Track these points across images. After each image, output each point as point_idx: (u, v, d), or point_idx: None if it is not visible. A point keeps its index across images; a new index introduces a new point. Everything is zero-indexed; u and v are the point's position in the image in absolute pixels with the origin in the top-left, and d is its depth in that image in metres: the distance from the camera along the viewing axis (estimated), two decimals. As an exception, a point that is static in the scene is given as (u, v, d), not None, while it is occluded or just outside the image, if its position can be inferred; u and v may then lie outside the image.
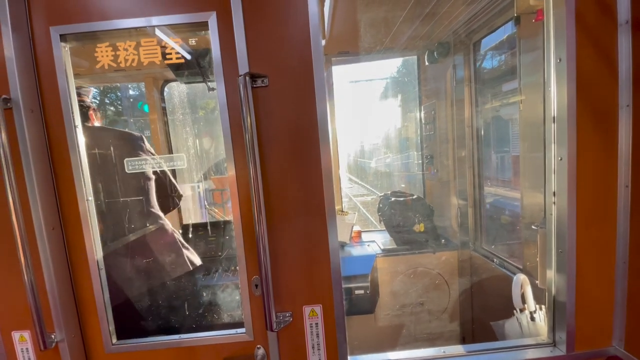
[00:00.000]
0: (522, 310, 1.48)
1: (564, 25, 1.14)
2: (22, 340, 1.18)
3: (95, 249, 1.16)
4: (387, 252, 2.33)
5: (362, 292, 2.08)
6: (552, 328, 1.33)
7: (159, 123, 2.65)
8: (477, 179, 2.22)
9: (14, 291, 1.14)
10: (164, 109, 2.78)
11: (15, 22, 1.06)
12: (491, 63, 2.16)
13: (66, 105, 1.10)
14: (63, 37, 1.10)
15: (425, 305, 2.28)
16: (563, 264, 1.25)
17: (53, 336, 1.13)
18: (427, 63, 2.35)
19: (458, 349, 1.28)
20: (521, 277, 1.48)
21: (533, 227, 1.47)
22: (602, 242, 1.21)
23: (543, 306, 1.45)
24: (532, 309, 1.45)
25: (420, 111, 2.57)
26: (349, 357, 1.17)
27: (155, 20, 1.09)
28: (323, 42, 1.09)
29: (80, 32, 1.10)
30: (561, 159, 1.23)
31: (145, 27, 1.10)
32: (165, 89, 2.77)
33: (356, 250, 2.41)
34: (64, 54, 1.10)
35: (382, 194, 2.60)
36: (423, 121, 2.52)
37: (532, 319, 1.44)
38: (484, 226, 2.25)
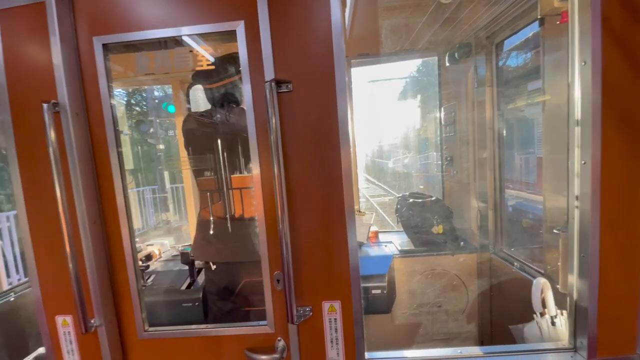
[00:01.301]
0: (542, 315, 1.47)
1: (589, 27, 1.13)
2: (65, 324, 1.29)
3: (131, 241, 1.25)
4: (404, 253, 2.34)
5: (379, 291, 2.10)
6: (574, 333, 1.32)
7: (184, 123, 2.76)
8: (498, 181, 2.20)
9: (59, 279, 1.25)
10: (189, 109, 2.90)
11: (62, 33, 1.16)
12: (514, 64, 2.13)
13: (107, 109, 1.20)
14: (105, 46, 1.19)
15: (443, 306, 2.28)
16: (585, 268, 1.23)
17: (93, 321, 1.23)
18: (447, 64, 2.35)
19: (475, 350, 1.29)
20: (542, 281, 1.47)
21: (555, 231, 1.46)
22: (627, 247, 1.19)
23: (564, 311, 1.43)
24: (553, 313, 1.44)
25: (440, 112, 2.56)
26: (366, 353, 1.21)
27: (187, 30, 1.16)
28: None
29: (119, 41, 1.19)
30: (585, 163, 1.22)
31: (178, 36, 1.18)
32: (191, 90, 2.89)
33: (373, 251, 2.44)
34: (105, 61, 1.20)
35: (400, 195, 2.61)
36: (443, 122, 2.51)
37: (553, 323, 1.43)
38: (505, 229, 2.23)
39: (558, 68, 1.62)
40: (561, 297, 1.48)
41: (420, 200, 2.37)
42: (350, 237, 1.16)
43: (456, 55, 2.21)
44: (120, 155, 1.23)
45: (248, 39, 1.13)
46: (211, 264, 1.88)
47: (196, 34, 1.18)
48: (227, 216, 1.85)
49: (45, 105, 1.09)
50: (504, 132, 2.16)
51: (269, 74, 1.11)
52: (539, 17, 1.60)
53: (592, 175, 1.17)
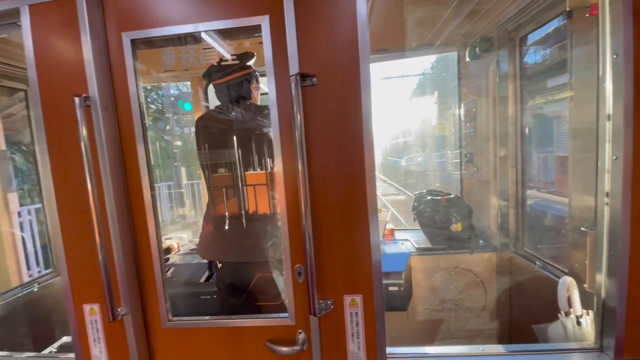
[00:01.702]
0: (567, 314, 1.43)
1: (621, 19, 1.09)
2: (92, 313, 1.33)
3: (157, 233, 1.28)
4: (421, 251, 2.32)
5: (395, 289, 2.09)
6: (600, 333, 1.29)
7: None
8: (520, 179, 2.15)
9: (87, 269, 1.29)
10: (207, 107, 2.94)
11: (92, 29, 1.19)
12: (539, 58, 2.08)
13: (135, 103, 1.23)
14: (133, 42, 1.22)
15: (460, 304, 2.25)
16: (614, 267, 1.20)
17: (119, 310, 1.26)
18: (467, 59, 2.30)
19: (498, 348, 1.27)
20: (567, 280, 1.43)
21: (582, 228, 1.42)
22: (659, 245, 1.15)
23: (590, 311, 1.40)
24: (579, 312, 1.41)
25: (459, 108, 2.52)
26: (387, 348, 1.21)
27: (213, 25, 1.18)
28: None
29: (147, 37, 1.21)
30: (616, 158, 1.18)
31: (205, 31, 1.19)
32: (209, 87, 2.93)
33: (390, 248, 2.43)
34: (133, 57, 1.23)
35: (418, 193, 2.59)
36: (463, 118, 2.47)
37: (578, 323, 1.39)
38: (527, 227, 2.18)
39: (587, 62, 1.57)
40: (587, 297, 1.44)
41: (439, 198, 2.34)
42: (372, 232, 1.15)
43: (477, 50, 2.17)
44: (147, 149, 1.25)
45: (273, 33, 1.14)
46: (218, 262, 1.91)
47: (221, 29, 1.19)
48: (242, 213, 1.87)
49: (77, 99, 1.12)
50: (527, 129, 2.11)
51: (294, 68, 1.11)
52: (567, 9, 1.56)
53: (624, 170, 1.14)
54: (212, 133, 1.84)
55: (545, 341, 1.51)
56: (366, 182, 1.14)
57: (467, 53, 2.29)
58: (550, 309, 1.65)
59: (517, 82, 2.08)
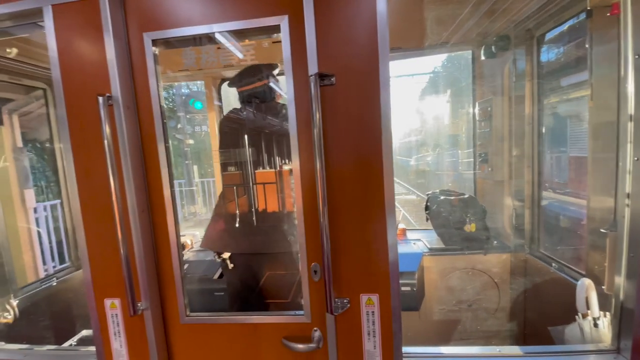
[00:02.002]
0: (584, 316, 1.41)
1: (645, 18, 1.07)
2: (113, 307, 1.36)
3: (176, 230, 1.30)
4: (434, 251, 2.31)
5: (408, 288, 2.09)
6: (617, 335, 1.27)
7: (216, 118, 2.84)
8: (536, 179, 2.12)
9: (108, 263, 1.32)
10: (220, 106, 2.96)
11: (115, 29, 1.21)
12: (557, 57, 2.04)
13: (155, 102, 1.25)
14: (154, 42, 1.24)
15: (474, 306, 2.24)
16: (634, 269, 1.18)
17: (140, 304, 1.29)
18: (483, 58, 2.28)
19: (515, 349, 1.26)
20: (586, 282, 1.41)
21: (602, 230, 1.40)
22: (684, 248, 1.13)
23: (607, 312, 1.38)
24: (596, 315, 1.39)
25: (474, 107, 2.49)
26: (403, 347, 1.21)
27: (232, 25, 1.19)
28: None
29: (168, 37, 1.23)
30: (637, 159, 1.16)
31: (224, 31, 1.21)
32: (222, 87, 2.96)
33: (402, 248, 2.42)
34: (154, 57, 1.25)
35: (430, 192, 2.57)
36: (477, 118, 2.45)
37: (595, 325, 1.38)
38: (542, 228, 2.15)
39: (607, 61, 1.54)
40: (602, 299, 1.42)
41: (452, 198, 2.32)
42: (389, 231, 1.16)
43: (493, 48, 2.14)
44: (167, 147, 1.28)
45: (292, 33, 1.15)
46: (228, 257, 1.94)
47: (238, 30, 1.20)
48: (253, 210, 1.90)
49: (100, 99, 1.15)
50: (543, 128, 2.08)
51: (313, 67, 1.12)
52: (587, 8, 1.54)
53: (647, 172, 1.12)
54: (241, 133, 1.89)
55: (561, 343, 1.50)
56: (384, 182, 1.14)
57: (482, 51, 2.26)
58: (566, 311, 1.63)
59: (534, 81, 2.05)
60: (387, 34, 1.08)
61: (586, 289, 1.40)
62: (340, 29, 1.10)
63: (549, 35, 1.96)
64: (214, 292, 2.17)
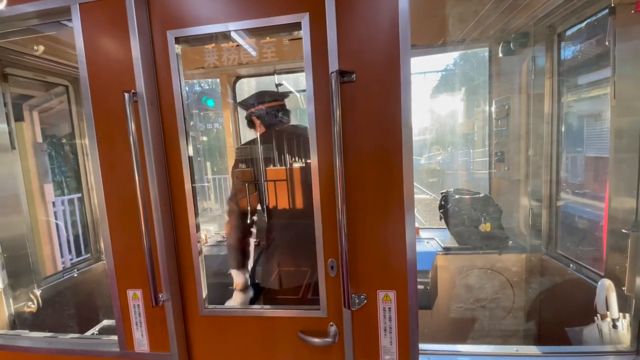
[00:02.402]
0: (603, 317, 1.40)
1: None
2: (135, 298, 1.40)
3: (197, 224, 1.33)
4: (448, 250, 2.30)
5: (421, 287, 2.09)
6: (637, 336, 1.25)
7: (231, 116, 2.87)
8: (554, 179, 2.09)
9: (131, 255, 1.36)
10: (233, 104, 2.99)
11: (140, 28, 1.24)
12: (578, 55, 2.00)
13: (178, 99, 1.28)
14: (177, 40, 1.27)
15: (488, 305, 2.22)
16: (659, 271, 1.16)
17: (161, 296, 1.33)
18: (500, 55, 2.25)
19: (532, 349, 1.25)
20: (606, 283, 1.39)
21: (624, 230, 1.37)
22: None
23: (627, 314, 1.36)
24: (615, 316, 1.37)
25: (490, 105, 2.46)
26: (419, 345, 1.22)
27: (254, 23, 1.21)
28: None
29: (190, 35, 1.26)
30: (664, 159, 1.14)
31: (245, 29, 1.22)
32: (237, 84, 2.99)
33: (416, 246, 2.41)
34: (177, 54, 1.28)
35: (445, 191, 2.56)
36: (494, 116, 2.42)
37: (614, 326, 1.36)
38: (560, 228, 2.12)
39: (630, 59, 1.51)
40: (621, 300, 1.40)
41: (467, 197, 2.31)
42: (408, 229, 1.16)
43: (512, 45, 2.11)
44: (189, 143, 1.30)
45: (312, 30, 1.16)
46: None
47: (263, 27, 1.21)
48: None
49: (126, 95, 1.18)
50: (563, 127, 2.04)
51: (333, 64, 1.13)
52: (611, 5, 1.51)
53: (674, 172, 1.10)
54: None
55: (579, 344, 1.48)
56: (403, 180, 1.14)
57: (500, 48, 2.23)
58: (583, 312, 1.60)
59: (554, 79, 2.02)
60: (408, 31, 1.08)
61: (606, 289, 1.38)
62: (362, 26, 1.11)
63: (571, 32, 1.92)
64: (228, 286, 2.20)
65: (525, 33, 2.08)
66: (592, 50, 2.10)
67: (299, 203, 1.83)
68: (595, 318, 1.42)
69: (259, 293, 1.95)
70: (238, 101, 2.00)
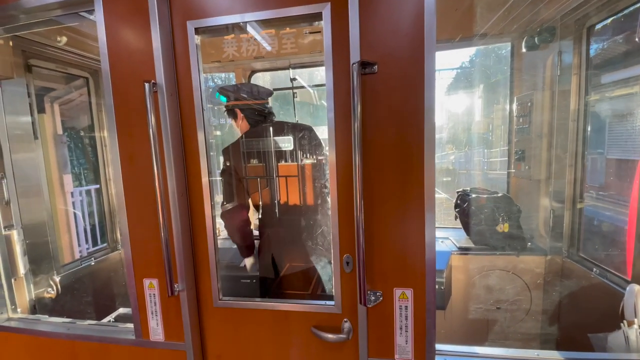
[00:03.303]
0: (630, 324, 1.34)
1: None
2: (151, 287, 1.41)
3: (213, 216, 1.33)
4: (463, 250, 2.25)
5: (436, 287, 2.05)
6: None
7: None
8: (579, 179, 2.01)
9: (148, 245, 1.37)
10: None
11: (161, 18, 1.24)
12: (608, 49, 1.91)
13: (197, 90, 1.28)
14: (197, 30, 1.26)
15: (503, 308, 2.17)
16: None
17: (176, 286, 1.34)
18: (524, 50, 2.17)
19: (554, 354, 1.21)
20: (635, 288, 1.33)
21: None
22: None
23: (657, 323, 1.30)
24: (644, 324, 1.31)
25: (511, 103, 2.39)
26: (436, 345, 1.19)
27: (274, 13, 1.19)
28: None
29: (210, 25, 1.25)
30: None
31: (265, 19, 1.21)
32: (252, 78, 2.99)
33: (429, 245, 2.37)
34: (196, 45, 1.27)
35: (461, 190, 2.50)
36: (515, 113, 2.34)
37: (643, 335, 1.30)
38: (583, 231, 2.04)
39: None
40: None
41: (485, 196, 2.25)
42: (428, 227, 1.13)
43: (536, 39, 2.03)
44: (206, 135, 1.30)
45: (333, 20, 1.13)
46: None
47: (283, 17, 1.19)
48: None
49: (147, 85, 1.19)
50: (589, 125, 1.96)
51: (355, 56, 1.10)
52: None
53: None
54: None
55: (603, 351, 1.43)
56: (424, 177, 1.11)
57: (523, 43, 2.15)
58: (607, 318, 1.54)
59: (581, 75, 1.93)
60: (434, 22, 1.04)
61: (635, 295, 1.32)
62: (385, 17, 1.08)
63: (602, 26, 1.83)
64: (240, 279, 2.21)
65: (551, 27, 2.00)
66: (622, 45, 2.00)
67: (295, 200, 1.85)
68: (622, 324, 1.36)
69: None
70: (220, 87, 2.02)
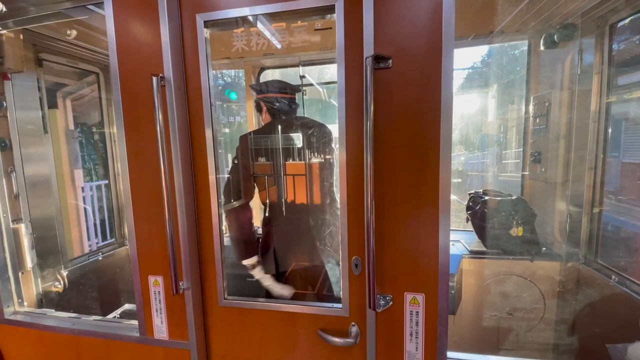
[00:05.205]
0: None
1: None
2: (156, 284, 1.39)
3: (219, 214, 1.31)
4: (475, 254, 2.18)
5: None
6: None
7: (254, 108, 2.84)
8: (598, 183, 1.93)
9: (154, 242, 1.35)
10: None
11: (170, 11, 1.22)
12: (632, 48, 1.82)
13: (205, 84, 1.25)
14: (206, 24, 1.23)
15: (515, 315, 2.10)
16: None
17: (181, 284, 1.32)
18: (542, 48, 2.09)
19: (571, 366, 1.15)
20: (660, 299, 1.27)
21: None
22: None
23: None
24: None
25: (527, 103, 2.31)
26: (447, 352, 1.14)
27: (285, 6, 1.15)
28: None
29: (220, 18, 1.22)
30: None
31: (276, 12, 1.17)
32: (261, 75, 2.96)
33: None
34: (205, 38, 1.24)
35: (473, 192, 2.44)
36: (532, 114, 2.27)
37: (667, 348, 1.23)
38: (602, 237, 1.96)
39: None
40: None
41: (498, 199, 2.18)
42: (442, 230, 1.08)
43: (556, 37, 1.96)
44: (214, 131, 1.27)
45: (346, 13, 1.09)
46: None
47: (295, 10, 1.16)
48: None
49: (154, 79, 1.16)
50: (610, 127, 1.88)
51: (369, 49, 1.06)
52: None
53: None
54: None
55: (622, 364, 1.36)
56: (440, 178, 1.06)
57: (542, 41, 2.07)
58: (627, 328, 1.48)
59: (603, 74, 1.85)
60: (453, 16, 0.99)
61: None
62: (401, 8, 1.03)
63: (626, 23, 1.75)
64: (245, 277, 2.19)
65: (572, 24, 1.92)
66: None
67: (302, 198, 1.82)
68: (644, 336, 1.29)
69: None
70: (250, 84, 2.00)
